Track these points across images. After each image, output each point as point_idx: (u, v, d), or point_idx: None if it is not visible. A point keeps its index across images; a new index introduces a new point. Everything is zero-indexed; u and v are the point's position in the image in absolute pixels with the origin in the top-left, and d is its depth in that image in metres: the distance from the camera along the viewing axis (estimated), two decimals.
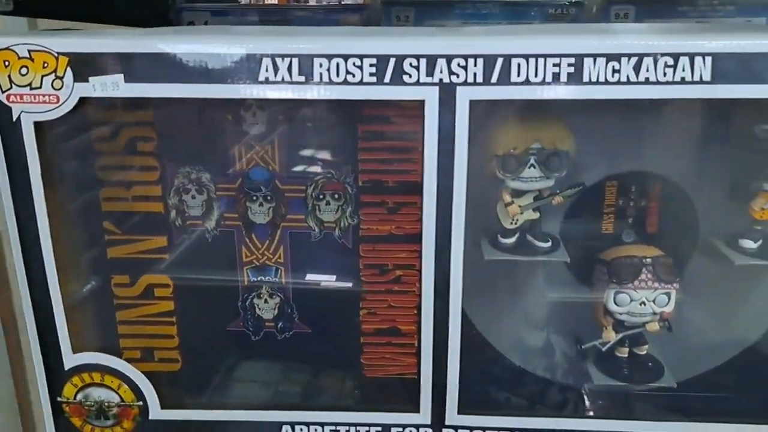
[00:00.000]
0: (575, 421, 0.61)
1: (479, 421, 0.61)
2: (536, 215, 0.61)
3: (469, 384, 0.62)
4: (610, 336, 0.62)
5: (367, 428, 0.62)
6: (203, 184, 0.64)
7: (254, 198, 0.64)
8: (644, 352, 0.64)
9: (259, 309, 0.67)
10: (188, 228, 0.65)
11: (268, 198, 0.64)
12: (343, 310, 0.66)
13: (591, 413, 0.62)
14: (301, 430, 0.62)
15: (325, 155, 0.64)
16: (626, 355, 0.63)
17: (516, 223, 0.61)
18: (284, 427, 0.62)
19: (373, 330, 0.65)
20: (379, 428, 0.62)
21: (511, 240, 0.62)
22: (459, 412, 0.60)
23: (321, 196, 0.63)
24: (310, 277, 0.67)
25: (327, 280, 0.67)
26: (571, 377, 0.65)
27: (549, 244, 0.62)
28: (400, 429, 0.61)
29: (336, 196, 0.63)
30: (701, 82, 0.48)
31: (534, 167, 0.58)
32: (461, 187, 0.53)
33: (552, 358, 0.66)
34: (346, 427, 0.62)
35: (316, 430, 0.62)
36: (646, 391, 0.63)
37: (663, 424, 0.61)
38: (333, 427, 0.62)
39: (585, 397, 0.63)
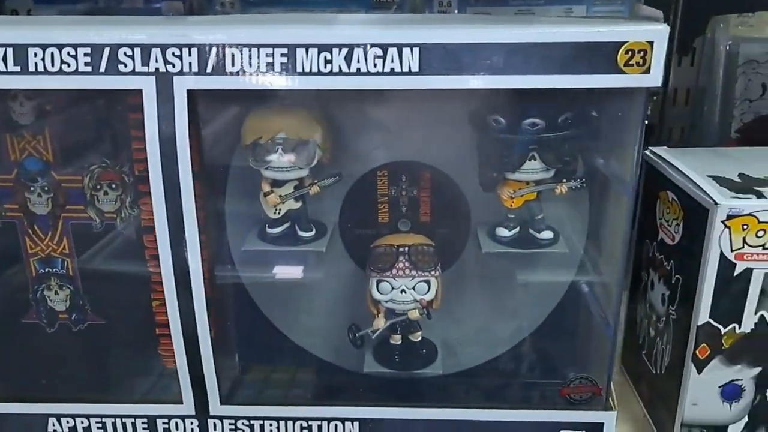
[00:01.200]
0: (346, 409, 0.61)
1: (244, 410, 0.61)
2: (298, 205, 0.61)
3: (236, 374, 0.62)
4: (380, 324, 0.62)
5: (133, 419, 0.61)
6: None
7: (32, 189, 0.63)
8: (418, 339, 0.64)
9: (51, 301, 0.67)
10: None
11: (46, 188, 0.63)
12: (135, 301, 0.65)
13: (362, 400, 0.62)
14: (68, 422, 0.62)
15: (99, 144, 0.63)
16: (399, 342, 0.64)
17: (279, 213, 0.61)
18: (50, 419, 0.62)
19: (167, 321, 0.65)
20: (145, 420, 0.61)
21: (279, 230, 0.62)
22: (222, 403, 0.60)
23: (98, 186, 0.63)
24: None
25: None
26: (346, 364, 0.65)
27: (312, 233, 0.62)
28: (166, 420, 0.61)
29: (113, 186, 0.63)
30: (410, 73, 0.49)
31: (283, 157, 0.58)
32: (187, 177, 0.52)
33: (332, 347, 0.66)
34: (112, 419, 0.61)
35: (82, 422, 0.62)
36: (420, 378, 0.64)
37: (437, 410, 0.62)
38: (98, 419, 0.61)
39: (357, 384, 0.64)
